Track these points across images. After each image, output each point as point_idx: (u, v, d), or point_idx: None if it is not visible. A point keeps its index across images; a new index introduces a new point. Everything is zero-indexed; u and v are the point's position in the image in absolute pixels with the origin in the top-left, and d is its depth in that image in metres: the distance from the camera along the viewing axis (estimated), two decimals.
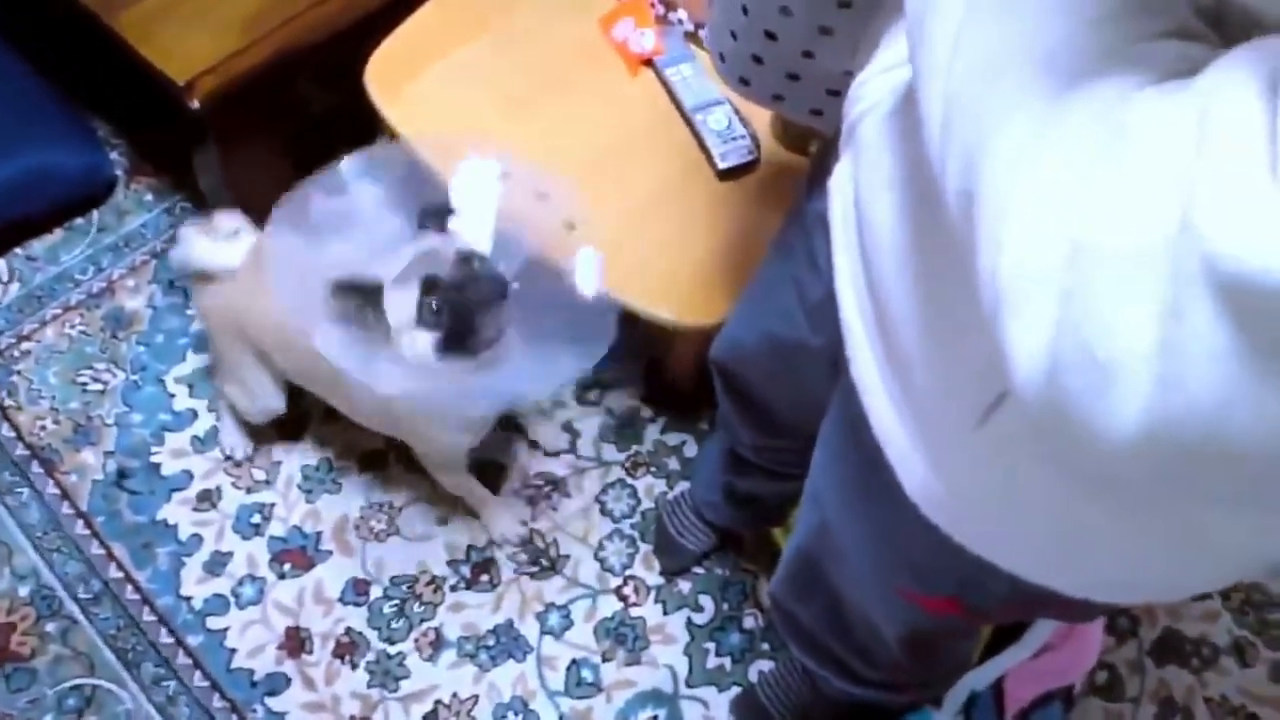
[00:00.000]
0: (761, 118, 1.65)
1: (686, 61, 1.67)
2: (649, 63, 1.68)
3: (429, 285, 1.21)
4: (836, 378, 0.99)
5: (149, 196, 2.04)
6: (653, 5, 1.72)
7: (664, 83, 1.67)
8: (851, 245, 0.78)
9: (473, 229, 1.31)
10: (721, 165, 1.59)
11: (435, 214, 1.31)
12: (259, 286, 1.50)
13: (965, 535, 0.72)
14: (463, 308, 1.22)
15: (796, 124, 1.61)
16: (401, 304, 1.23)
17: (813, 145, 1.61)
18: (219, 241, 1.57)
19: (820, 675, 1.28)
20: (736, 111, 1.63)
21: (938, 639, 1.06)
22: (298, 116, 1.91)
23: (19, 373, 1.83)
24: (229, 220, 1.59)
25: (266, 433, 1.79)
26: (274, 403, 1.67)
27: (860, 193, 0.77)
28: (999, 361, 0.49)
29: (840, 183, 0.82)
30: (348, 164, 1.38)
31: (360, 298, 1.24)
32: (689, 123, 1.64)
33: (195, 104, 1.55)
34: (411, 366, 1.26)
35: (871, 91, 0.79)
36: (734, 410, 1.37)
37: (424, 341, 1.23)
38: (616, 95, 1.67)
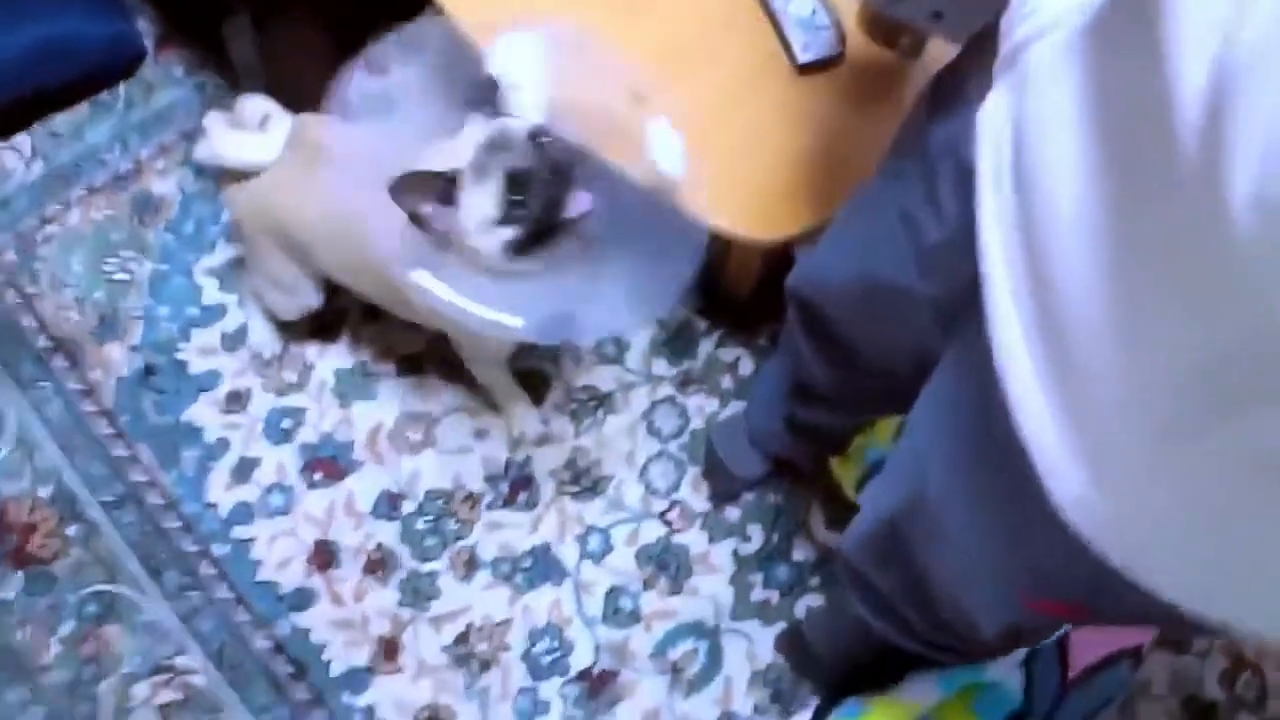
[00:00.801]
0: (849, 6, 1.47)
1: None
2: None
3: (515, 180, 1.10)
4: (948, 333, 0.85)
5: (179, 70, 1.90)
6: None
7: None
8: (1007, 198, 0.63)
9: (522, 106, 1.19)
10: (802, 58, 1.42)
11: (484, 92, 1.18)
12: (301, 176, 1.39)
13: (1127, 559, 0.59)
14: (552, 200, 1.11)
15: (890, 14, 1.44)
16: (480, 200, 1.11)
17: (905, 38, 1.43)
18: (247, 132, 1.44)
19: (879, 627, 1.18)
20: None
21: (1039, 631, 0.94)
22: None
23: (43, 259, 1.74)
24: (256, 105, 1.45)
25: (299, 333, 1.69)
26: (310, 299, 1.56)
27: (1026, 136, 0.62)
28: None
29: (993, 116, 0.67)
30: (392, 41, 1.25)
31: (431, 191, 1.11)
32: (767, 9, 1.46)
33: None
34: (473, 273, 1.14)
35: (1048, 6, 0.64)
36: (810, 345, 1.23)
37: (501, 239, 1.12)
38: None
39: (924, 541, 0.90)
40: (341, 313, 1.70)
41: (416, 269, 1.13)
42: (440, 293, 1.12)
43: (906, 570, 0.96)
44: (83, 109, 1.86)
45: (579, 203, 1.12)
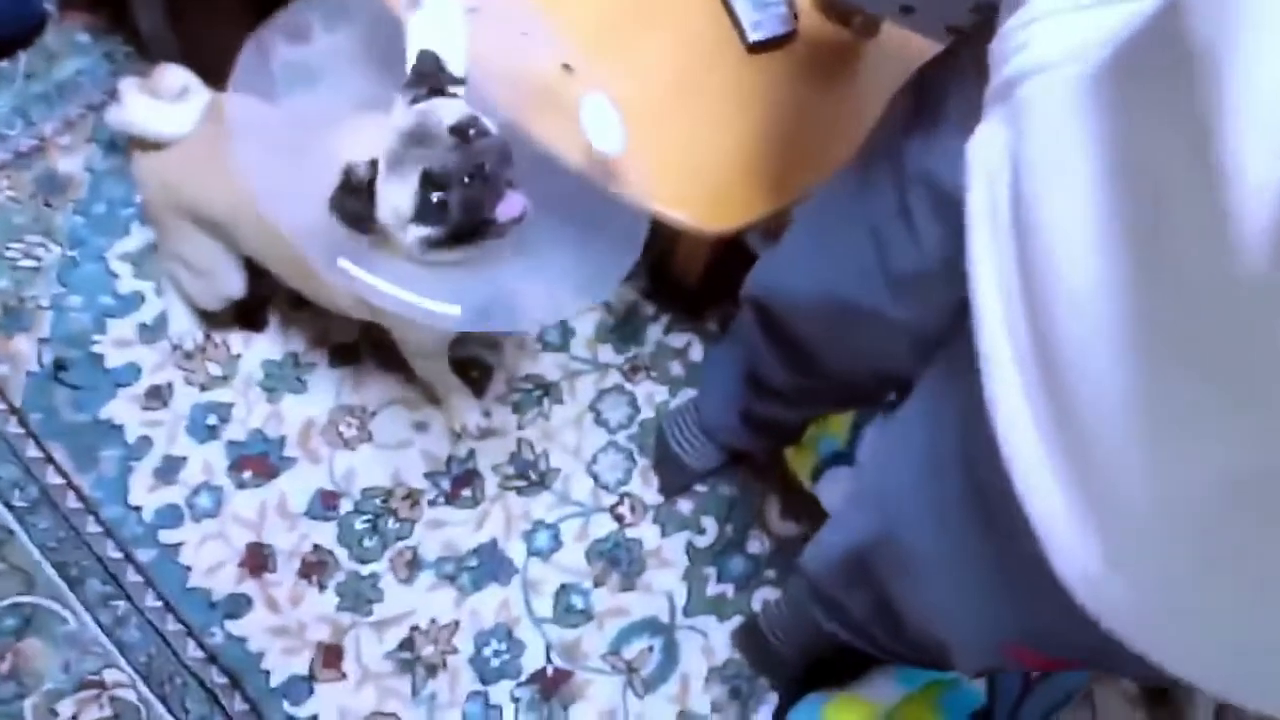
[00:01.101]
0: None
1: None
2: None
3: (428, 180, 1.03)
4: (922, 360, 0.80)
5: (84, 38, 1.77)
6: None
7: None
8: (1004, 243, 0.58)
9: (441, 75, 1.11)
10: (753, 37, 1.36)
11: (424, 73, 1.10)
12: (216, 153, 1.27)
13: (1143, 640, 0.55)
14: (473, 202, 1.03)
15: (856, 6, 1.38)
16: (396, 195, 1.04)
17: (859, 16, 1.38)
18: (165, 102, 1.33)
19: (845, 639, 1.14)
20: None
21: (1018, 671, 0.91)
22: None
23: None
24: (175, 76, 1.34)
25: (223, 322, 1.59)
26: (232, 286, 1.47)
27: (1027, 182, 0.56)
28: None
29: (986, 149, 0.61)
30: (315, 5, 1.16)
31: (349, 190, 1.05)
32: None
33: None
34: (398, 263, 1.08)
35: (1049, 37, 0.58)
36: (769, 349, 1.18)
37: (420, 235, 1.05)
38: None
39: (896, 577, 0.86)
40: (267, 299, 1.61)
41: (340, 257, 1.04)
42: (370, 282, 1.03)
43: (875, 595, 0.92)
44: None
45: (508, 207, 1.05)
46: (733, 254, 1.57)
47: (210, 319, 1.58)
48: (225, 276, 1.45)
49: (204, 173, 1.31)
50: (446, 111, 1.07)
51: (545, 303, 1.19)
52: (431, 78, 1.11)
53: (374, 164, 1.05)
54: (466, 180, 1.03)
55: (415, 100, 1.10)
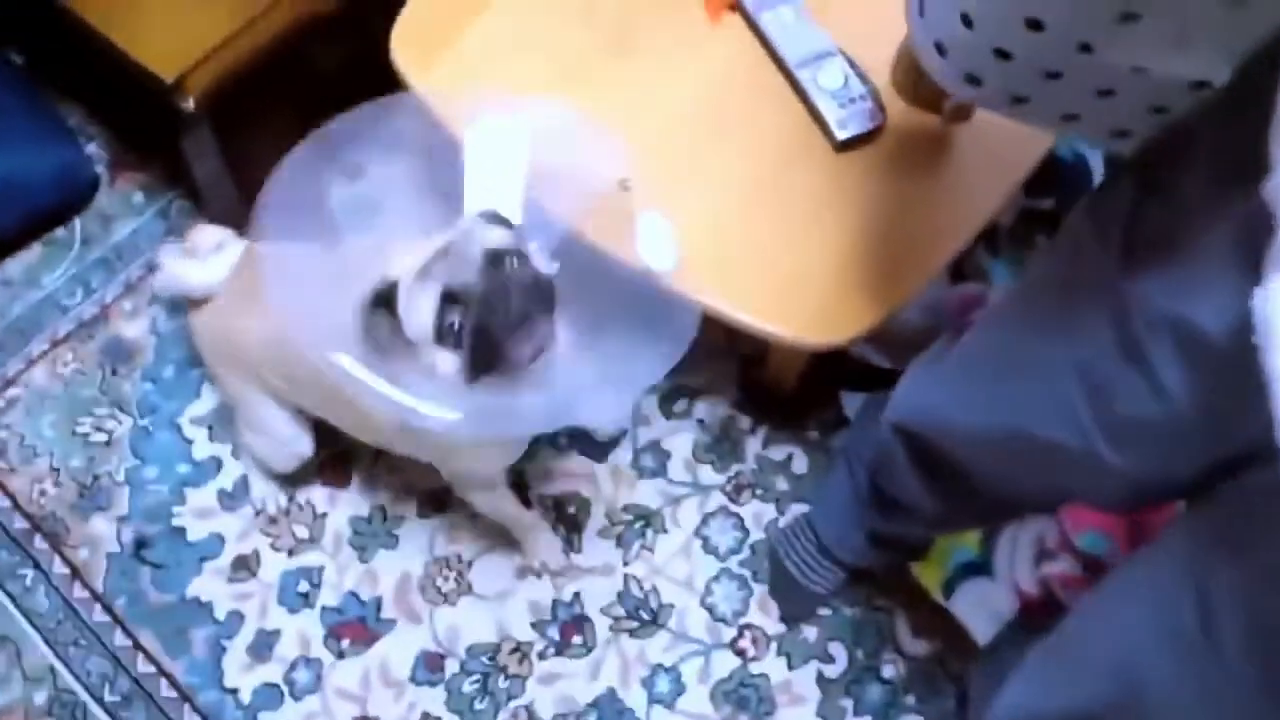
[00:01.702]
0: (883, 70, 1.33)
1: (785, 3, 1.34)
2: (735, 7, 1.36)
3: (449, 298, 0.98)
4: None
5: (138, 197, 1.73)
6: None
7: (757, 32, 1.35)
8: None
9: (495, 198, 1.08)
10: (840, 135, 1.28)
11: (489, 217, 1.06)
12: (248, 301, 1.25)
13: None
14: (485, 330, 0.98)
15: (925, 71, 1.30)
16: (419, 313, 0.99)
17: (950, 102, 1.29)
18: (202, 259, 1.30)
19: None
20: (853, 65, 1.31)
21: None
22: (312, 85, 1.59)
23: (8, 427, 1.56)
24: (210, 234, 1.33)
25: (305, 480, 1.52)
26: (300, 445, 1.40)
27: None
28: None
29: None
30: (366, 139, 1.12)
31: (380, 304, 1.00)
32: (793, 82, 1.32)
33: (189, 104, 1.24)
34: (439, 386, 1.01)
35: None
36: (918, 476, 1.09)
37: (447, 362, 1.00)
38: (697, 50, 1.36)
39: None
40: (349, 453, 1.54)
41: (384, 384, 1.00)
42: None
43: None
44: (35, 250, 1.68)
45: (534, 338, 1.00)
46: (830, 354, 1.47)
47: (291, 478, 1.51)
48: (291, 435, 1.39)
49: (238, 319, 1.27)
50: (489, 236, 1.01)
51: (601, 386, 1.12)
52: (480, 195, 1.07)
53: (396, 283, 0.99)
54: (486, 306, 0.97)
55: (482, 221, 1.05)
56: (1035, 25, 0.64)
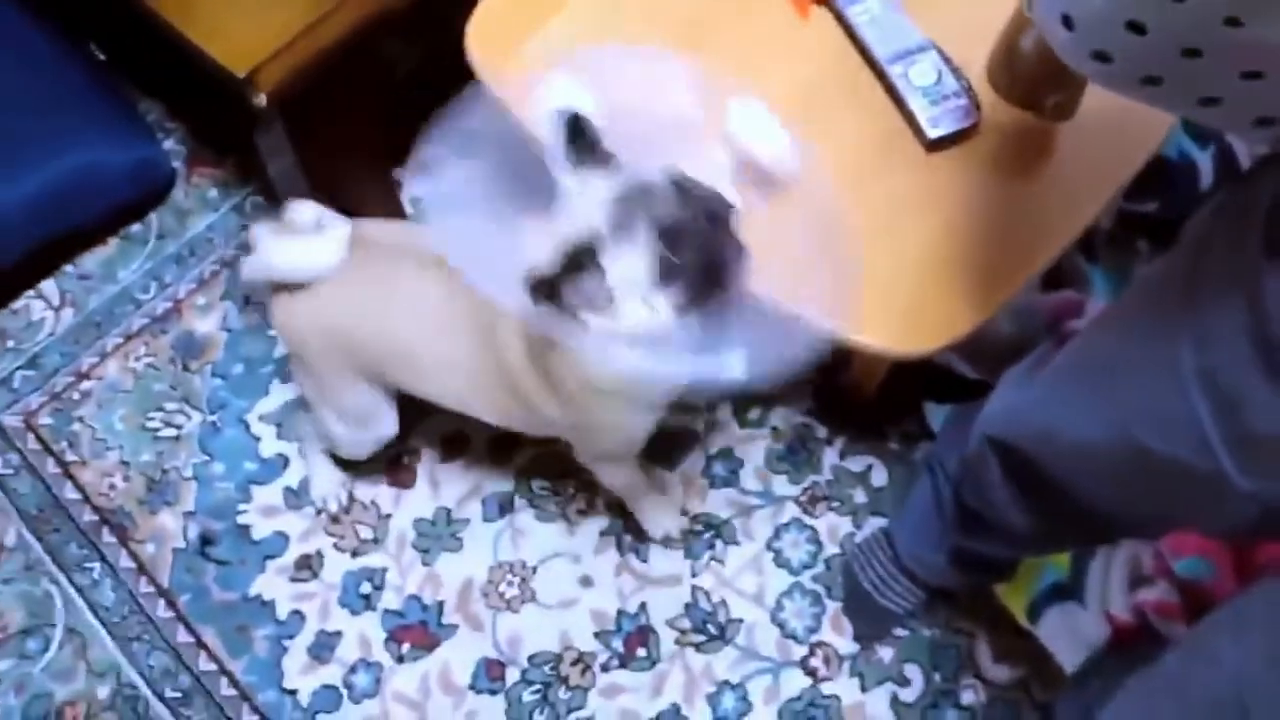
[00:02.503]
0: (978, 64, 1.26)
1: None
2: (823, 1, 1.30)
3: (665, 234, 0.94)
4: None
5: (213, 192, 1.73)
6: None
7: (846, 25, 1.29)
8: None
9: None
10: (931, 134, 1.21)
11: (587, 147, 0.99)
12: (374, 283, 1.20)
13: None
14: (714, 250, 0.95)
15: (1026, 65, 1.23)
16: (629, 267, 0.94)
17: (1051, 98, 1.22)
18: (302, 239, 1.23)
19: None
20: (946, 60, 1.24)
21: None
22: (386, 81, 1.57)
23: (80, 419, 1.56)
24: (305, 210, 1.23)
25: (371, 479, 1.50)
26: (387, 427, 1.35)
27: None
28: None
29: None
30: (441, 141, 1.06)
31: (574, 267, 0.94)
32: (882, 78, 1.25)
33: (261, 100, 1.22)
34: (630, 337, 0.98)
35: None
36: (1012, 493, 1.03)
37: (659, 306, 0.96)
38: (784, 45, 1.30)
39: None
40: (415, 454, 1.51)
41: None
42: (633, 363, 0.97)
43: None
44: (112, 245, 1.69)
45: (741, 254, 0.96)
46: (913, 362, 1.41)
47: (358, 475, 1.49)
48: (380, 419, 1.34)
49: (364, 305, 1.21)
50: (650, 170, 0.97)
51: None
52: (591, 143, 0.99)
53: (596, 238, 0.94)
54: (703, 227, 0.95)
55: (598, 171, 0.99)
56: None
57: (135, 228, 1.70)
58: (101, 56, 1.75)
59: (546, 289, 0.93)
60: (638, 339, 0.99)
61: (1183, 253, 0.76)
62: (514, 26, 1.32)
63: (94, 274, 1.67)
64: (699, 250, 0.95)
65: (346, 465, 1.48)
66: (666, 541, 1.46)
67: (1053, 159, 1.24)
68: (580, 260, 0.93)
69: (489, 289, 1.02)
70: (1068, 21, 0.64)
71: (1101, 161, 1.23)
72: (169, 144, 1.75)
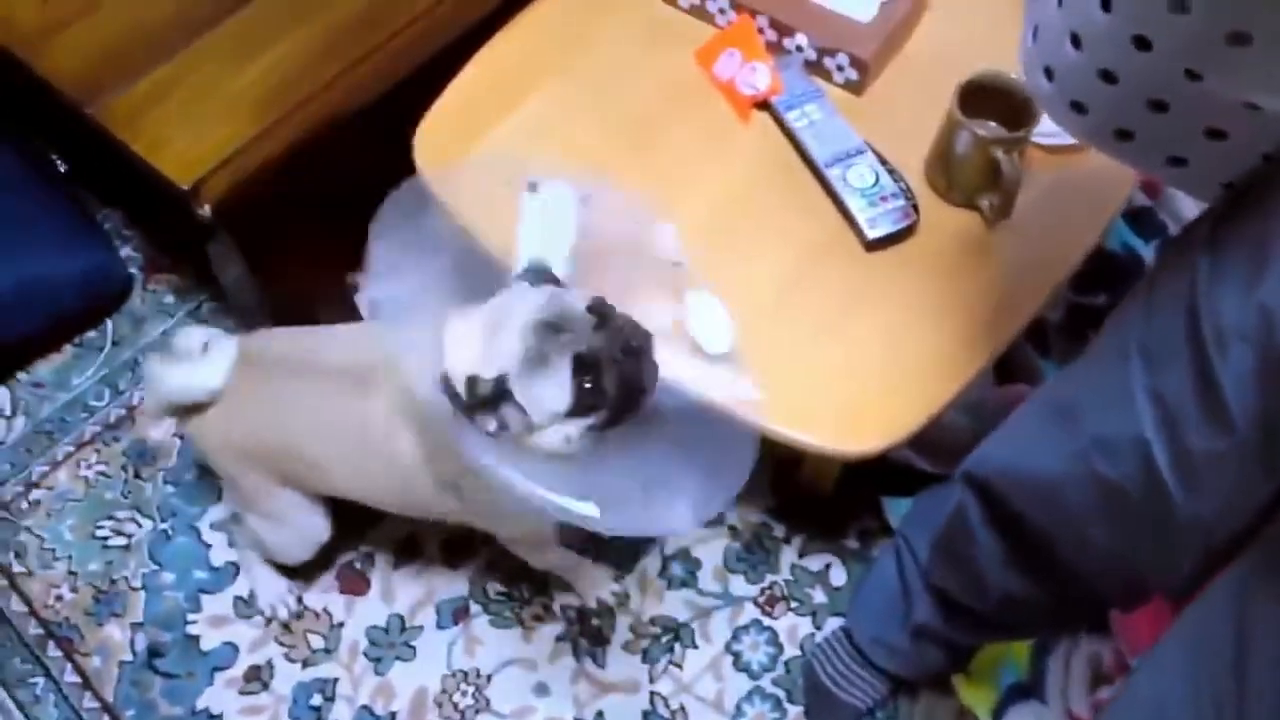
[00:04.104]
0: (916, 166, 1.29)
1: (813, 101, 1.31)
2: (764, 105, 1.33)
3: (584, 364, 0.96)
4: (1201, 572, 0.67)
5: (169, 298, 1.73)
6: (761, 31, 1.36)
7: (785, 130, 1.32)
8: None
9: (551, 262, 1.08)
10: (871, 234, 1.23)
11: (535, 273, 1.05)
12: (262, 391, 1.24)
13: None
14: (630, 377, 0.99)
15: (961, 167, 1.25)
16: (547, 395, 0.96)
17: (987, 199, 1.24)
18: (189, 363, 1.27)
19: None
20: (884, 162, 1.27)
21: None
22: (334, 190, 1.59)
23: (28, 529, 1.54)
24: (192, 336, 1.30)
25: (322, 585, 1.47)
26: (321, 529, 1.36)
27: None
28: None
29: None
30: (397, 244, 1.06)
31: (485, 403, 0.96)
32: (822, 180, 1.28)
33: (206, 211, 1.23)
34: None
35: None
36: (990, 539, 1.05)
37: (571, 431, 0.99)
38: (726, 147, 1.33)
39: None
40: (368, 559, 1.49)
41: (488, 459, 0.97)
42: (526, 486, 0.96)
43: None
44: (67, 351, 1.69)
45: (653, 373, 1.01)
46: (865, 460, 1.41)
47: (310, 582, 1.47)
48: (307, 521, 1.34)
49: (257, 415, 1.25)
50: (573, 296, 1.01)
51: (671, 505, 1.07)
52: (545, 275, 1.05)
53: (501, 378, 0.96)
54: (619, 358, 0.97)
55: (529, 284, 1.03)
56: (1143, 44, 0.61)
57: (91, 334, 1.70)
58: (63, 167, 1.77)
59: (467, 408, 0.95)
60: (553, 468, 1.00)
61: (1137, 288, 0.80)
62: (462, 131, 1.35)
63: (47, 381, 1.66)
64: (614, 379, 0.97)
65: (296, 573, 1.46)
66: (600, 603, 1.45)
67: (992, 257, 1.26)
68: (497, 389, 0.95)
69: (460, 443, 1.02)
70: (1049, 73, 0.69)
71: (1040, 259, 1.25)
72: (126, 251, 1.77)
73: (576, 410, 0.97)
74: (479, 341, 0.98)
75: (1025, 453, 0.98)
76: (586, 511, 0.96)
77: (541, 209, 1.10)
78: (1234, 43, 0.57)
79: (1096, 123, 0.71)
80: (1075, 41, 0.67)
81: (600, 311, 0.99)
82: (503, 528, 1.33)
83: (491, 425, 0.96)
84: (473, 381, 0.96)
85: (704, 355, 1.13)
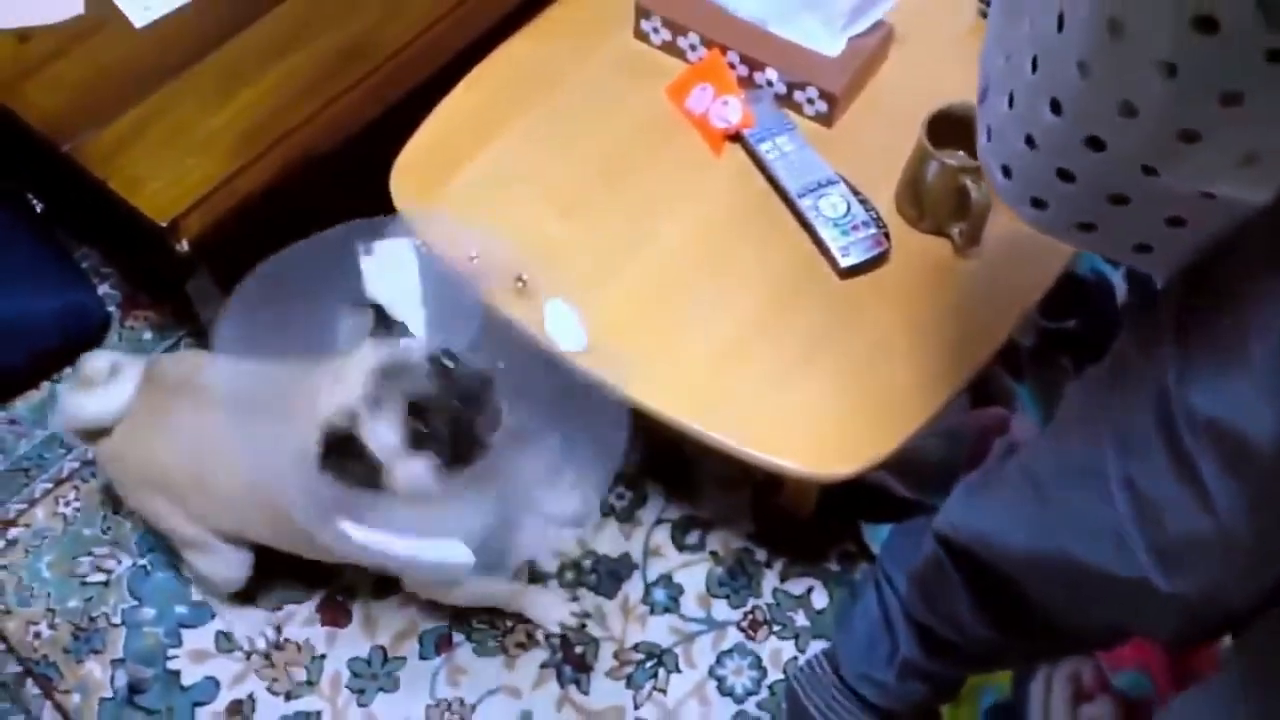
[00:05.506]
0: (887, 195, 1.31)
1: (784, 133, 1.34)
2: (736, 138, 1.35)
3: (414, 409, 1.04)
4: (1202, 634, 0.68)
5: (148, 334, 1.73)
6: (733, 66, 1.39)
7: (758, 162, 1.34)
8: None
9: (401, 314, 1.13)
10: (844, 262, 1.26)
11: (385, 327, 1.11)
12: (161, 417, 1.28)
13: None
14: (463, 423, 1.05)
15: (930, 197, 1.28)
16: (384, 435, 1.04)
17: (956, 226, 1.27)
18: (97, 389, 1.30)
19: None
20: (855, 192, 1.29)
21: None
22: (312, 225, 1.60)
23: (6, 567, 1.53)
24: (101, 360, 1.32)
25: (303, 618, 1.47)
26: (234, 567, 1.37)
27: None
28: None
29: None
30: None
31: (339, 447, 1.04)
32: (795, 211, 1.30)
33: (184, 247, 1.24)
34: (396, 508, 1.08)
35: None
36: (971, 598, 1.04)
37: (421, 469, 1.06)
38: (699, 179, 1.35)
39: None
40: (349, 591, 1.49)
41: (337, 516, 1.05)
42: (375, 541, 1.06)
43: None
44: (44, 389, 1.68)
45: (493, 418, 1.07)
46: (847, 482, 1.42)
47: (290, 612, 1.47)
48: (222, 553, 1.36)
49: (150, 442, 1.28)
50: (418, 345, 1.08)
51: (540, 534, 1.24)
52: (396, 328, 1.10)
53: (352, 414, 1.03)
54: (455, 404, 1.04)
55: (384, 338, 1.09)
56: (1096, 144, 0.61)
57: (68, 370, 1.69)
58: (39, 206, 1.77)
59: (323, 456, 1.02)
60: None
61: (1107, 364, 0.81)
62: (438, 167, 1.36)
63: (23, 419, 1.65)
64: (445, 422, 1.04)
65: (277, 605, 1.46)
66: (564, 628, 1.46)
67: (963, 283, 1.28)
68: (343, 442, 1.02)
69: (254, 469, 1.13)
70: (1006, 171, 0.69)
71: (1010, 285, 1.28)
72: (104, 288, 1.77)
73: (413, 447, 1.04)
74: (327, 392, 1.05)
75: (1001, 529, 0.98)
76: (460, 557, 1.05)
77: (379, 267, 1.14)
78: (1185, 140, 0.57)
79: (1058, 216, 0.70)
80: (1029, 141, 0.66)
81: (440, 362, 1.06)
82: (403, 573, 1.36)
83: (348, 474, 1.03)
84: (330, 427, 1.02)
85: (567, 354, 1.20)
